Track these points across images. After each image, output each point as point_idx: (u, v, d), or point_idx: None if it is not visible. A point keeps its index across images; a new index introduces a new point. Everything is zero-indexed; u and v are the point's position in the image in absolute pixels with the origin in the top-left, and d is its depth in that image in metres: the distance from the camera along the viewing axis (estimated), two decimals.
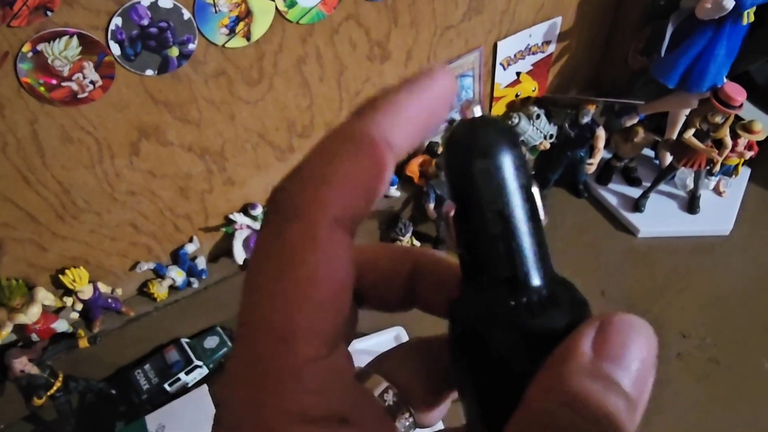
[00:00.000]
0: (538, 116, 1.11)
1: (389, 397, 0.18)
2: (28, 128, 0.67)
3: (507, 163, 0.16)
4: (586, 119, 1.10)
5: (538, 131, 1.13)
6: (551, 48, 1.09)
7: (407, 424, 0.18)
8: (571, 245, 1.16)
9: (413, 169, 1.08)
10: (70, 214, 0.78)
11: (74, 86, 0.66)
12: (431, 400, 0.19)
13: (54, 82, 0.65)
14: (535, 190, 0.17)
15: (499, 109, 1.14)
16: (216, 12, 0.70)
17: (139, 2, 0.64)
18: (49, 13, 0.60)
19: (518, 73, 1.09)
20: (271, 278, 0.14)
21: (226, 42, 0.73)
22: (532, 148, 1.14)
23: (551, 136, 1.15)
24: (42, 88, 0.65)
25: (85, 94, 0.68)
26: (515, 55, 1.05)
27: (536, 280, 0.16)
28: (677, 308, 1.05)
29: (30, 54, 0.62)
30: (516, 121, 1.08)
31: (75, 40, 0.63)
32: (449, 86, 0.16)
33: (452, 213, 0.16)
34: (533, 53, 1.07)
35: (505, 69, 1.06)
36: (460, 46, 0.96)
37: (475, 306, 0.16)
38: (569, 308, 0.16)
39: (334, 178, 0.14)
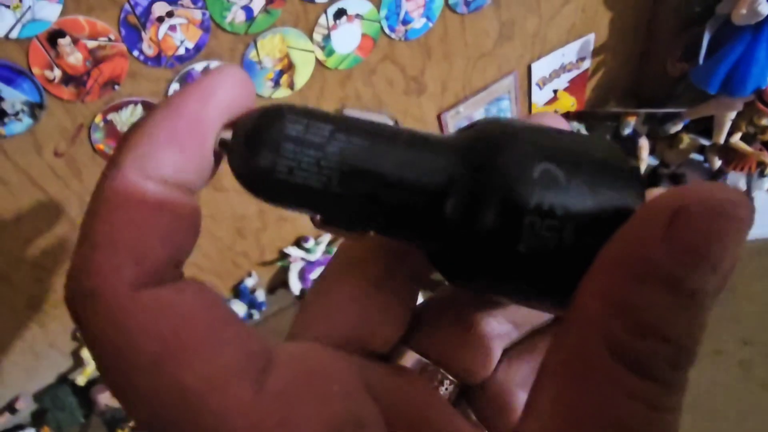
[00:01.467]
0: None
1: (429, 368, 0.18)
2: None
3: (294, 129, 0.14)
4: (627, 131, 1.10)
5: None
6: (586, 64, 1.10)
7: (448, 389, 0.18)
8: None
9: None
10: None
11: None
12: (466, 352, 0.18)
13: None
14: (351, 112, 0.14)
15: None
16: (261, 68, 0.76)
17: (193, 68, 0.71)
18: (116, 86, 0.68)
19: (555, 91, 1.11)
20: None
21: (271, 93, 0.79)
22: None
23: None
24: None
25: None
26: (550, 75, 1.06)
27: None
28: (737, 314, 1.03)
29: (101, 124, 0.70)
30: None
31: (139, 107, 0.70)
32: (223, 85, 0.14)
33: (319, 219, 0.15)
34: (568, 71, 1.08)
35: (541, 88, 1.07)
36: (494, 72, 0.99)
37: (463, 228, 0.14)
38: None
39: (111, 244, 0.13)
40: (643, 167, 1.15)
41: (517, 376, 0.18)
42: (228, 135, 0.14)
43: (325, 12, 0.75)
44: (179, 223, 0.14)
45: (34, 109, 0.64)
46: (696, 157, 1.25)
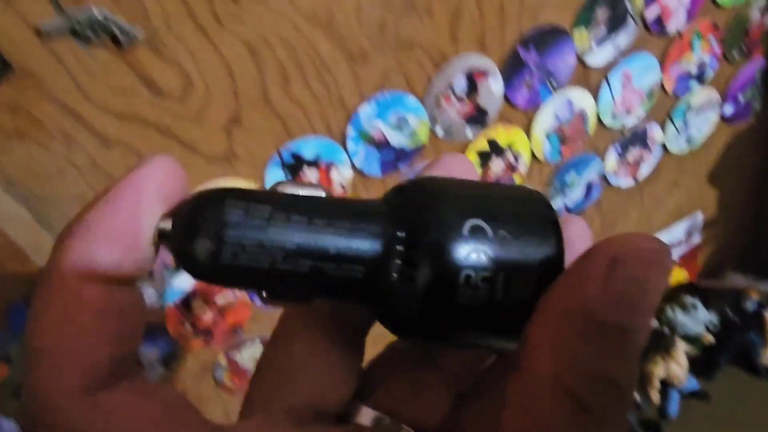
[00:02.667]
0: (694, 306, 1.06)
1: (384, 422, 0.18)
2: (224, 417, 0.77)
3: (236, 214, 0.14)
4: (751, 307, 1.03)
5: (697, 322, 1.06)
6: (696, 239, 1.05)
7: None
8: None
9: None
10: None
11: None
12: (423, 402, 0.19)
13: (244, 383, 0.76)
14: (285, 187, 0.15)
15: None
16: None
17: None
18: (239, 330, 0.72)
19: None
20: None
21: None
22: (694, 340, 1.07)
23: (714, 325, 1.07)
24: (234, 386, 0.75)
25: None
26: None
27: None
28: None
29: (225, 362, 0.73)
30: (670, 314, 1.04)
31: (258, 343, 0.74)
32: (155, 176, 0.14)
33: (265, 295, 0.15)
34: (677, 248, 1.04)
35: None
36: None
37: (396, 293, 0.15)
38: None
39: (57, 353, 0.13)
40: None
41: (468, 419, 0.19)
42: (167, 224, 0.14)
43: None
44: (124, 321, 0.14)
45: (167, 360, 0.69)
46: None
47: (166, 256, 0.60)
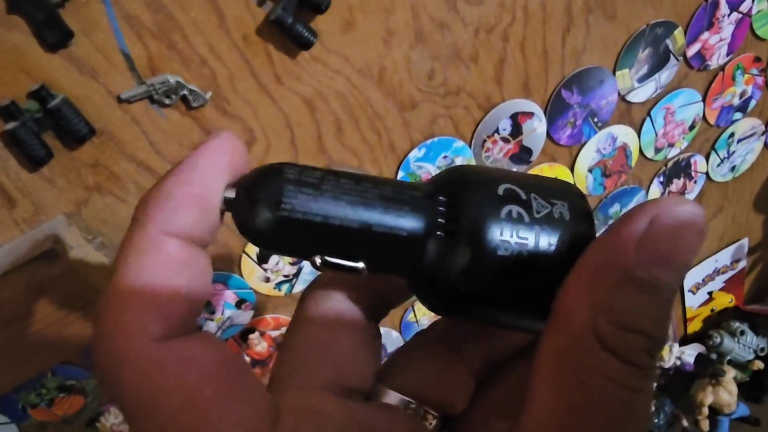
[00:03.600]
0: (742, 332, 1.05)
1: (411, 406, 0.19)
2: None
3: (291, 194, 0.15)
4: None
5: (746, 347, 1.05)
6: (742, 264, 1.04)
7: (432, 423, 0.19)
8: None
9: None
10: None
11: None
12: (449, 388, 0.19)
13: None
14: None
15: (694, 327, 1.10)
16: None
17: None
18: None
19: (710, 293, 1.05)
20: None
21: None
22: (743, 367, 1.05)
23: (762, 350, 1.06)
24: None
25: None
26: (704, 280, 1.02)
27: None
28: None
29: None
30: (718, 340, 1.03)
31: None
32: (222, 150, 0.16)
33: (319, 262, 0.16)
34: (722, 273, 1.03)
35: (694, 294, 1.03)
36: None
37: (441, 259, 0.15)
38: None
39: (139, 302, 0.14)
40: None
41: (492, 405, 0.19)
42: (231, 194, 0.16)
43: None
44: (197, 280, 0.15)
45: None
46: None
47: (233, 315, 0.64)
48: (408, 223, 0.15)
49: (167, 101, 0.51)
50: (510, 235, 0.15)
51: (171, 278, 0.15)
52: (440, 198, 0.16)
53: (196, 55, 0.51)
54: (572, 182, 0.75)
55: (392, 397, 0.19)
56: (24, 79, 0.46)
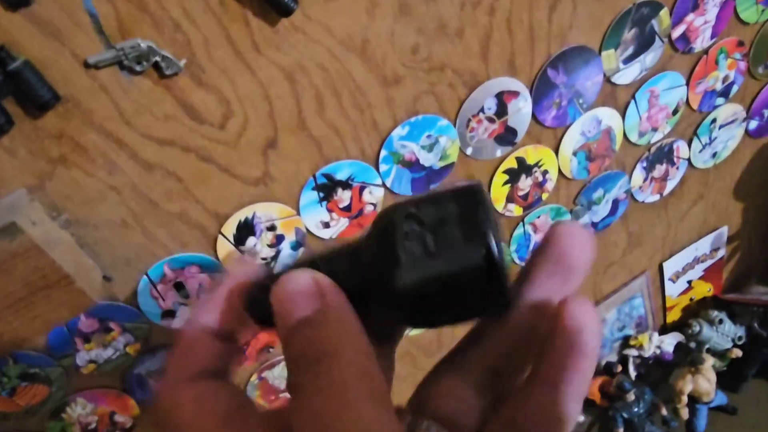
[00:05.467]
0: (721, 321, 1.05)
1: (432, 428, 0.20)
2: None
3: None
4: None
5: (724, 336, 1.05)
6: (721, 252, 1.05)
7: None
8: None
9: (593, 391, 1.05)
10: None
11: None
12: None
13: (273, 397, 0.76)
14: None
15: (674, 316, 1.10)
16: None
17: None
18: (270, 349, 0.72)
19: (689, 282, 1.06)
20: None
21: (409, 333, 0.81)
22: (721, 354, 1.06)
23: (740, 339, 1.07)
24: (266, 405, 0.76)
25: None
26: (684, 268, 1.02)
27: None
28: None
29: (257, 381, 0.74)
30: (697, 329, 1.03)
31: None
32: (241, 276, 0.21)
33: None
34: (702, 262, 1.04)
35: (674, 282, 1.03)
36: (624, 276, 0.96)
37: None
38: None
39: (173, 361, 0.20)
40: None
41: (495, 423, 0.20)
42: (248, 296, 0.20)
43: None
44: (219, 357, 0.20)
45: None
46: None
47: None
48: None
49: (138, 68, 0.48)
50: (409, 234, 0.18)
51: (197, 347, 0.20)
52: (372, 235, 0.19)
53: (170, 19, 0.48)
54: (557, 165, 0.74)
55: (404, 416, 0.20)
56: None
